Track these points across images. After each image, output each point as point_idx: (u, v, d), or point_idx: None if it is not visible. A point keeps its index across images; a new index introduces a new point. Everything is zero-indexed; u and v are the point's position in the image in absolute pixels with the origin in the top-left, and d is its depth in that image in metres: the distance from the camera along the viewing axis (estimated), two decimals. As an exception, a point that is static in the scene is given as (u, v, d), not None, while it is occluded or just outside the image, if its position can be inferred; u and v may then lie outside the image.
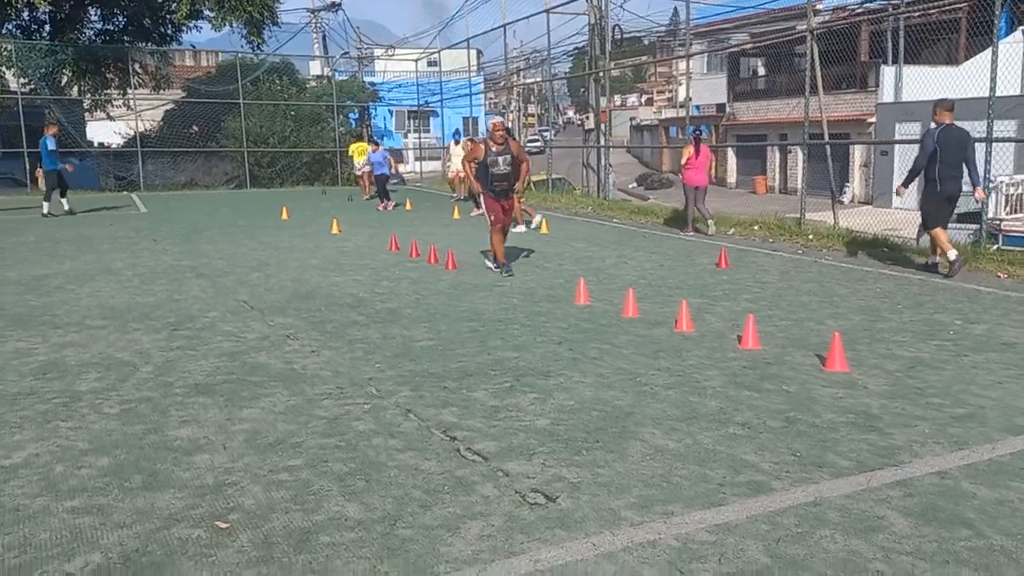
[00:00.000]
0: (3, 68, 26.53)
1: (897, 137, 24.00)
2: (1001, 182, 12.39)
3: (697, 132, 15.05)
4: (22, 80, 27.44)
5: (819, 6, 33.28)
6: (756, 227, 13.30)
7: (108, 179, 28.70)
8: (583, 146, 21.61)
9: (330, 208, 19.50)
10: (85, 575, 3.00)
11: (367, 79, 43.99)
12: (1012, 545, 3.10)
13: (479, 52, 56.55)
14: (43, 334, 6.87)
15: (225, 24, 27.36)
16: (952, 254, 8.96)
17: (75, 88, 29.31)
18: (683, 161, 13.73)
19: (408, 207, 19.89)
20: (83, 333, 6.91)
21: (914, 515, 3.34)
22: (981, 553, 3.04)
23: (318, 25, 44.99)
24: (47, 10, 26.02)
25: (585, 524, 3.30)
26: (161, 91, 30.86)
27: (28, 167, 19.52)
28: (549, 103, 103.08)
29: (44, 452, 4.20)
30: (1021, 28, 26.71)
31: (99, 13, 29.68)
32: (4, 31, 26.41)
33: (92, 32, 29.92)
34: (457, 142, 21.47)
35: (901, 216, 13.39)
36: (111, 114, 30.80)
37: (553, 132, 77.26)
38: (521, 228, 13.94)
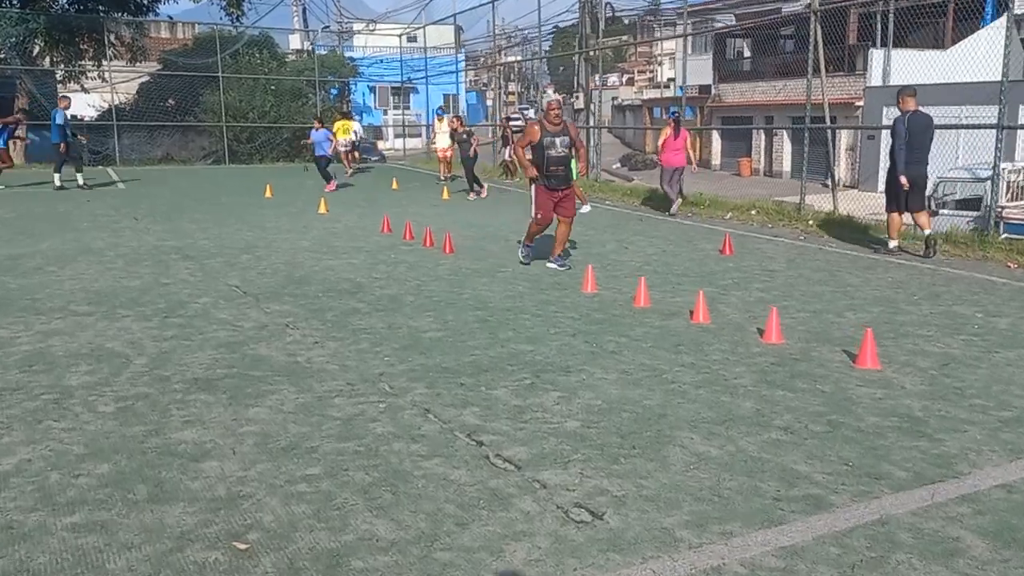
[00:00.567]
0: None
1: (885, 122, 23.90)
2: (1004, 168, 12.23)
3: (675, 113, 15.14)
4: (-9, 49, 26.57)
5: (807, -13, 33.09)
6: (753, 212, 13.09)
7: (83, 152, 27.94)
8: (584, 126, 21.25)
9: (314, 186, 19.04)
10: (94, 606, 2.70)
11: (347, 54, 43.26)
12: (1101, 571, 2.89)
13: (459, 29, 55.84)
14: (25, 321, 6.49)
15: (203, -5, 26.61)
16: (893, 244, 9.50)
17: (47, 59, 28.43)
18: (660, 142, 13.96)
19: (394, 186, 19.48)
20: (68, 320, 6.53)
21: (990, 536, 3.12)
22: (1070, 580, 2.82)
23: (297, -2, 44.14)
24: (18, -23, 25.16)
25: (640, 546, 3.04)
26: (137, 63, 30.02)
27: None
28: (530, 81, 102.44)
29: (37, 457, 3.87)
30: (1007, 13, 26.64)
31: (73, -19, 28.79)
32: (-28, -2, 25.52)
33: (65, 1, 28.99)
34: (441, 118, 21.05)
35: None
36: (85, 86, 29.94)
37: (534, 110, 76.78)
38: (586, 208, 13.56)
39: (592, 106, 20.13)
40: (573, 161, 9.08)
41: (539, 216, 8.78)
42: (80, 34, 27.88)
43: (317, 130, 19.24)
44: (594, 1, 19.76)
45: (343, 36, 46.19)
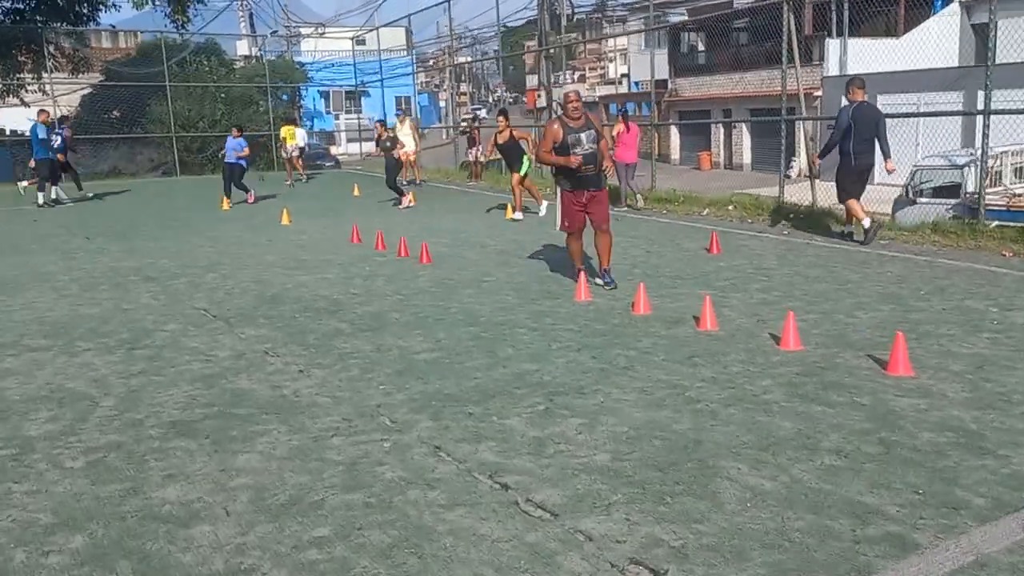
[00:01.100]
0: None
1: (845, 110, 23.94)
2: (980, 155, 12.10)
3: (623, 110, 15.15)
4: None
5: (759, -22, 33.13)
6: (731, 207, 12.82)
7: (24, 169, 26.82)
8: (535, 124, 20.89)
9: (271, 195, 18.41)
10: None
11: (296, 59, 42.39)
12: None
13: (408, 31, 55.20)
14: (-26, 360, 5.89)
15: (147, 2, 25.72)
16: (867, 222, 9.50)
17: (-17, 72, 27.30)
18: (614, 135, 14.08)
19: (356, 192, 18.91)
20: (23, 357, 5.94)
21: (1103, 574, 2.78)
22: None
23: (244, 3, 43.17)
24: (-52, -12, 24.05)
25: (719, 611, 2.64)
26: (79, 74, 28.95)
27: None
28: (480, 82, 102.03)
29: (-3, 531, 3.35)
30: (958, 0, 26.94)
31: (7, -9, 27.65)
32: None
33: (1, 12, 27.83)
34: (402, 120, 20.47)
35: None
36: (25, 100, 28.78)
37: (485, 110, 76.35)
38: (544, 208, 12.92)
39: (555, 104, 19.73)
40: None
41: (566, 225, 7.65)
42: (18, 46, 26.79)
43: (235, 138, 17.08)
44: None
45: (292, 41, 45.30)
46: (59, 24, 27.77)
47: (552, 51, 19.53)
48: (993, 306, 6.49)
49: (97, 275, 9.17)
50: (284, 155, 23.25)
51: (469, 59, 61.18)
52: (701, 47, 35.11)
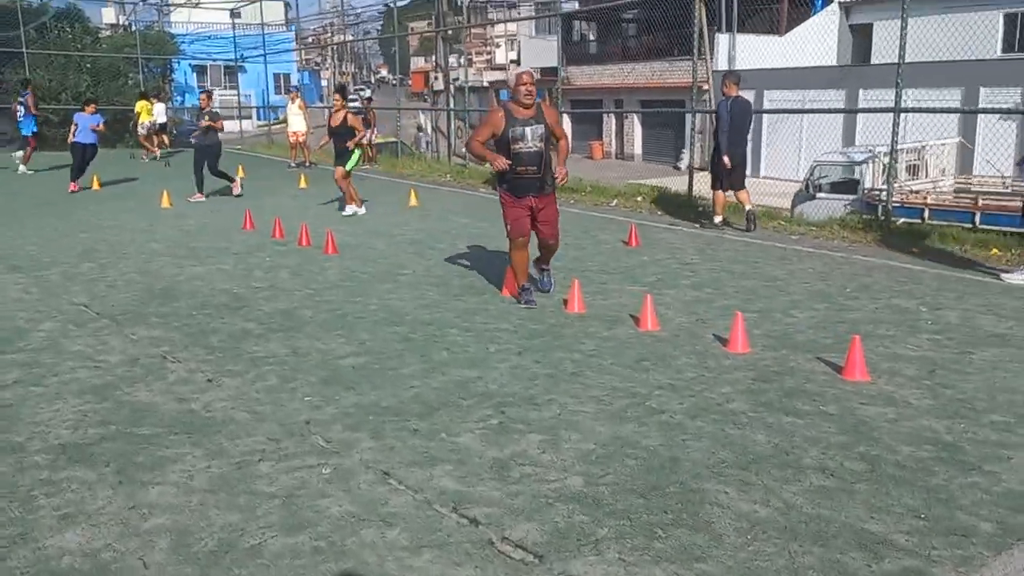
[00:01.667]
0: None
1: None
2: (880, 152, 12.44)
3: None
4: None
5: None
6: (639, 198, 12.69)
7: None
8: (432, 108, 20.30)
9: (148, 176, 17.13)
10: None
11: (167, 31, 39.99)
12: None
13: (287, 6, 53.02)
14: None
15: (1, -41, 23.48)
16: (718, 219, 10.12)
17: None
18: None
19: (240, 174, 17.79)
20: None
21: None
22: None
23: (110, -33, 40.37)
24: None
25: (758, 677, 2.29)
26: (-79, 36, 26.19)
27: None
28: (363, 62, 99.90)
29: None
30: (838, 1, 27.97)
31: None
32: None
33: None
34: (294, 97, 19.43)
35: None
36: None
37: (370, 91, 74.62)
38: (352, 209, 11.45)
39: (451, 88, 19.22)
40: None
41: (509, 229, 6.37)
42: None
43: (87, 114, 15.26)
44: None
45: (163, 11, 42.72)
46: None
47: (450, 32, 18.97)
48: (922, 305, 6.48)
49: (-48, 263, 8.09)
50: (140, 131, 21.83)
51: (352, 37, 59.51)
52: (592, 37, 35.22)
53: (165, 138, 22.93)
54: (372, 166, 19.43)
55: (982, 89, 18.40)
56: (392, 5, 39.44)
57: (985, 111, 15.28)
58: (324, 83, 74.49)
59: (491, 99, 40.86)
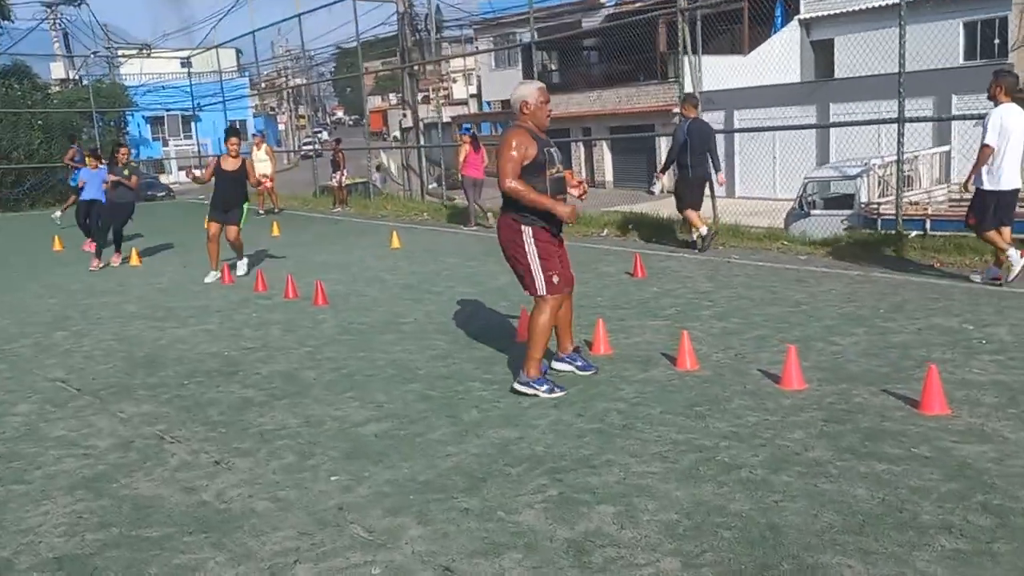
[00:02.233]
0: None
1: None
2: (873, 164, 12.23)
3: (469, 129, 15.55)
4: None
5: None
6: (630, 226, 12.30)
7: None
8: (401, 146, 19.88)
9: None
10: None
11: (118, 82, 39.24)
12: None
13: (239, 52, 52.52)
14: None
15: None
16: (704, 230, 10.10)
17: None
18: (461, 158, 14.40)
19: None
20: None
21: None
22: None
23: (57, 22, 39.66)
24: None
25: None
26: None
27: None
28: (318, 104, 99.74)
29: None
30: (797, 18, 28.19)
31: None
32: None
33: None
34: (259, 144, 18.79)
35: (721, 204, 12.76)
36: None
37: (326, 132, 73.99)
38: (243, 268, 10.20)
39: (420, 125, 18.81)
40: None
41: (557, 281, 4.91)
42: None
43: (95, 168, 12.72)
44: (412, 13, 18.48)
45: (113, 63, 41.94)
46: None
47: (416, 68, 18.60)
48: (965, 323, 6.12)
49: (-91, 341, 7.41)
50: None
51: (306, 81, 59.18)
52: (554, 67, 35.17)
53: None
54: (344, 208, 18.92)
55: (954, 97, 18.45)
56: (340, 48, 39.16)
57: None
58: (281, 127, 73.91)
59: (454, 133, 40.64)
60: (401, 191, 20.67)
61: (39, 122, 26.70)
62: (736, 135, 23.62)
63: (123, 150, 12.20)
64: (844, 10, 25.21)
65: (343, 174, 18.68)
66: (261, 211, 18.46)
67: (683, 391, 4.92)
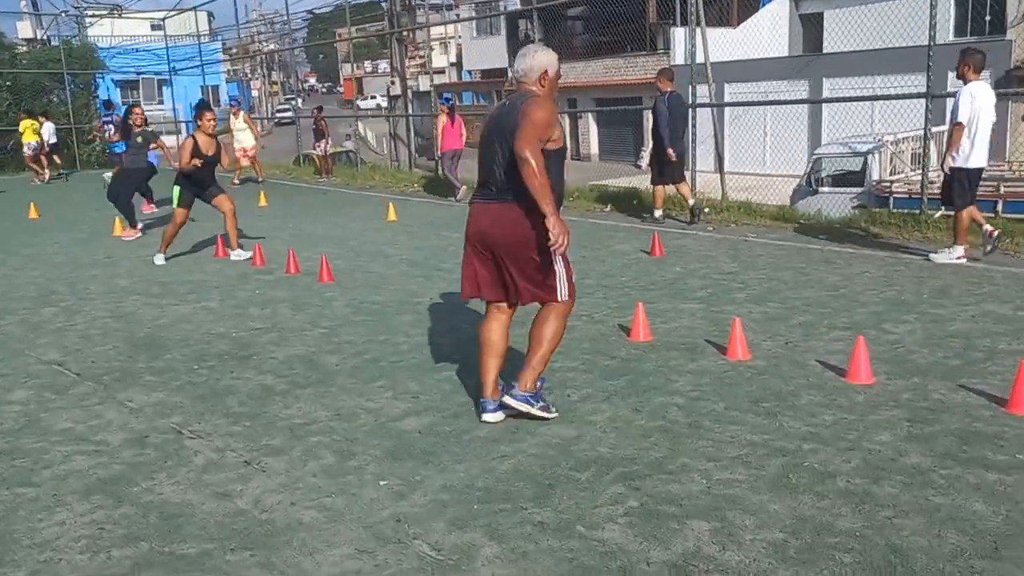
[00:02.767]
0: None
1: (688, 100, 23.95)
2: (887, 140, 11.92)
3: (448, 100, 15.27)
4: None
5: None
6: (635, 201, 11.93)
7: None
8: (389, 115, 19.30)
9: (87, 199, 15.71)
10: None
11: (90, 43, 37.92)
12: None
13: (210, 16, 51.06)
14: None
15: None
16: (658, 213, 10.23)
17: None
18: (440, 129, 14.12)
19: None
20: None
21: None
22: None
23: (24, -22, 38.23)
24: None
25: None
26: None
27: None
28: (291, 70, 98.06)
29: None
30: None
31: None
32: None
33: None
34: (236, 112, 18.06)
35: (712, 179, 12.45)
36: None
37: (300, 100, 72.64)
38: (239, 254, 9.13)
39: (409, 93, 18.24)
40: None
41: (575, 282, 4.26)
42: None
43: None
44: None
45: (83, 23, 40.55)
46: None
47: (405, 33, 17.98)
48: (1019, 309, 5.84)
49: None
50: (26, 151, 20.05)
51: (280, 46, 57.88)
52: (539, 36, 34.46)
53: (56, 158, 21.25)
54: (329, 178, 18.34)
55: (950, 73, 18.18)
56: (314, 11, 38.14)
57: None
58: (254, 94, 72.33)
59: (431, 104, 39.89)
60: (383, 161, 20.14)
61: (7, 83, 25.68)
62: (726, 109, 23.26)
63: (136, 111, 11.13)
64: (835, -17, 24.82)
65: (328, 143, 18.06)
66: (237, 181, 17.75)
67: (742, 384, 4.58)
